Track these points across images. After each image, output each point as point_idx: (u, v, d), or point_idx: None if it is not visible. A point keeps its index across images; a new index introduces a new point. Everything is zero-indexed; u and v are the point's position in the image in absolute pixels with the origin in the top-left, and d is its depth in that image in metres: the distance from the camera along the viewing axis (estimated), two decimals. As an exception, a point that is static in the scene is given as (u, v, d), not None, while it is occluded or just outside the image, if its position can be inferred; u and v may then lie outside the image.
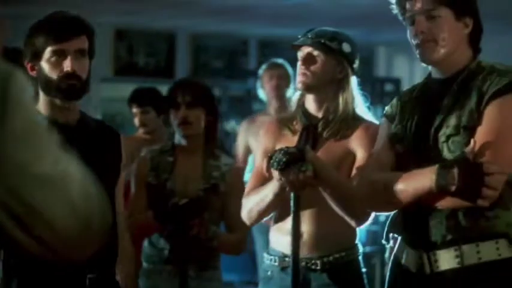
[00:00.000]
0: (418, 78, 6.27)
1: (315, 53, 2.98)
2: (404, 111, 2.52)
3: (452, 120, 2.36)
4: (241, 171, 3.69)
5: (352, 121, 2.97)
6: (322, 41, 2.97)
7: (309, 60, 2.98)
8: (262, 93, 5.50)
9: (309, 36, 3.00)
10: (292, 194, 2.85)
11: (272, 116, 4.62)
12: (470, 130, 2.32)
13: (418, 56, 2.44)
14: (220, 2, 7.15)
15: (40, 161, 1.20)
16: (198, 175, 3.41)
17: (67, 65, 2.63)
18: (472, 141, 2.26)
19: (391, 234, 2.51)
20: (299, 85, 3.00)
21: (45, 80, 2.66)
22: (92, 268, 2.60)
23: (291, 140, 2.98)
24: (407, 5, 2.43)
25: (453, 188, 2.21)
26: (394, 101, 2.60)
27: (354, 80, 3.02)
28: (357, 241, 3.01)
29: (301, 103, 3.06)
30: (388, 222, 2.55)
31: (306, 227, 2.93)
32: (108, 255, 2.69)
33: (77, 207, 1.22)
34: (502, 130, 2.29)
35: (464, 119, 2.34)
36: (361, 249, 3.03)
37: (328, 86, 2.98)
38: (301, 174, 2.73)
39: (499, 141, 2.28)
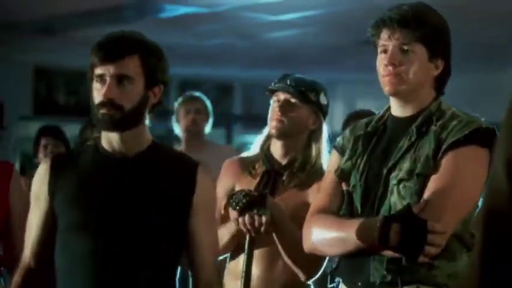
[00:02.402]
0: (334, 121, 6.39)
1: (293, 100, 2.98)
2: (356, 146, 2.43)
3: (406, 164, 2.29)
4: None
5: (320, 172, 2.91)
6: (303, 89, 2.99)
7: (287, 106, 2.98)
8: (177, 129, 5.08)
9: (288, 83, 2.99)
10: (247, 237, 2.86)
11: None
12: (423, 177, 2.25)
13: (382, 85, 2.37)
14: (140, 41, 7.19)
15: None
16: None
17: (103, 91, 2.36)
18: (421, 200, 2.21)
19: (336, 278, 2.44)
20: (273, 130, 2.98)
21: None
22: None
23: (250, 183, 2.98)
24: (384, 33, 2.36)
25: (395, 244, 2.14)
26: (347, 132, 2.51)
27: (325, 132, 3.05)
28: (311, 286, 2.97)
29: (266, 147, 3.06)
30: (331, 264, 2.48)
31: (256, 271, 2.92)
32: None
33: None
34: (456, 182, 2.23)
35: (419, 166, 2.26)
36: None
37: (299, 135, 3.00)
38: (258, 219, 2.75)
39: (452, 193, 2.22)
